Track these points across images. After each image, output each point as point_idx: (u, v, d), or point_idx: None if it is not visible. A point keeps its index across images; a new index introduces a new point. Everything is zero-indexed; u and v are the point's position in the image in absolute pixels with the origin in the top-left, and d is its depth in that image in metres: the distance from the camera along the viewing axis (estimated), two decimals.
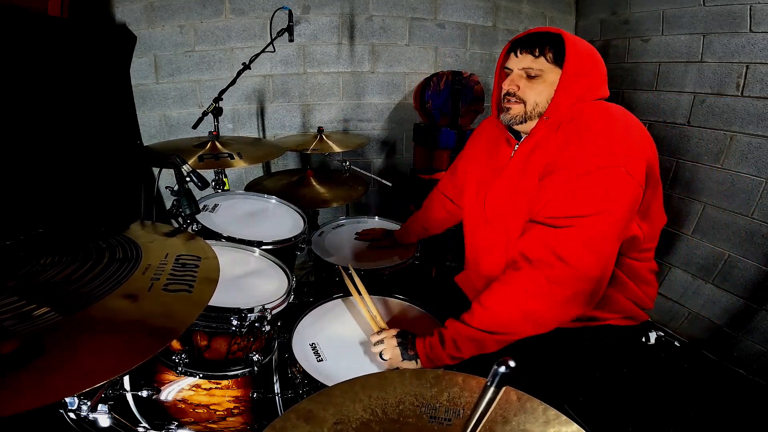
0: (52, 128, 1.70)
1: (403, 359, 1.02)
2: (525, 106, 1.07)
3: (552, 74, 1.04)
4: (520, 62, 1.06)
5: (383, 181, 2.09)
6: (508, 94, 1.09)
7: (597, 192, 0.92)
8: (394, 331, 1.06)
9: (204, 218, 1.52)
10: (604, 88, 1.08)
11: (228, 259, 1.33)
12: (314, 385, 0.97)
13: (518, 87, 1.07)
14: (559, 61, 1.03)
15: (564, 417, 0.58)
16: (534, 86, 1.06)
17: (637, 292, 1.12)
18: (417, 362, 1.02)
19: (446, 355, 1.00)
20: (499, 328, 0.97)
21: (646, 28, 2.38)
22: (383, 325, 1.14)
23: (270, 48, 1.94)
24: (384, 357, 1.03)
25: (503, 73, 1.13)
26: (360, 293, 1.21)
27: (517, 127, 1.12)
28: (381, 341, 1.05)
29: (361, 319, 1.21)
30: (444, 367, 1.03)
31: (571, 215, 0.92)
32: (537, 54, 1.03)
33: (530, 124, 1.10)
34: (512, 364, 0.43)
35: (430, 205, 1.60)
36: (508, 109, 1.10)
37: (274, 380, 1.27)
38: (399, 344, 1.03)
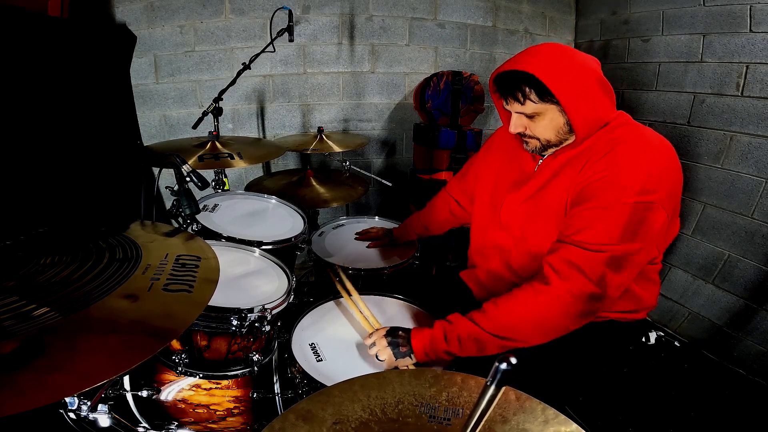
0: (52, 128, 1.70)
1: (397, 358, 1.01)
2: (539, 140, 1.08)
3: (548, 111, 1.02)
4: (512, 108, 1.06)
5: (383, 181, 2.10)
6: (518, 134, 1.10)
7: (631, 224, 0.94)
8: (383, 331, 1.05)
9: (204, 218, 1.52)
10: (606, 85, 1.04)
11: (228, 259, 1.33)
12: (314, 385, 0.97)
13: (524, 127, 1.07)
14: (544, 95, 0.99)
15: (563, 416, 0.58)
16: (537, 124, 1.05)
17: (642, 293, 1.13)
18: (411, 357, 1.02)
19: (444, 351, 1.00)
20: (507, 332, 0.98)
21: (646, 28, 2.38)
22: (377, 324, 1.14)
23: (270, 48, 1.95)
24: (380, 358, 1.03)
25: (504, 110, 1.13)
26: (350, 295, 1.21)
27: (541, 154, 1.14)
28: (374, 343, 1.04)
29: (362, 318, 1.21)
30: (441, 365, 1.03)
31: (604, 243, 0.94)
32: (522, 100, 1.02)
33: (553, 149, 1.11)
34: (514, 360, 0.43)
35: (435, 204, 1.61)
36: (526, 142, 1.11)
37: (274, 380, 1.27)
38: (390, 344, 1.02)
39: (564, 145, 1.09)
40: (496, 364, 0.44)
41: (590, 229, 0.96)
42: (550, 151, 1.12)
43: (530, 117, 1.05)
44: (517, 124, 1.08)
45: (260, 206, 1.74)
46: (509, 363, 0.43)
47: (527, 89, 1.00)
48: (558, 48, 1.01)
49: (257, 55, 1.92)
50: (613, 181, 0.96)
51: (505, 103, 1.07)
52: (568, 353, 1.13)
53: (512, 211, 1.18)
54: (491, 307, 1.00)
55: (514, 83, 1.01)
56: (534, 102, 1.01)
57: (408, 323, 1.21)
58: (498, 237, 1.22)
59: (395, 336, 1.03)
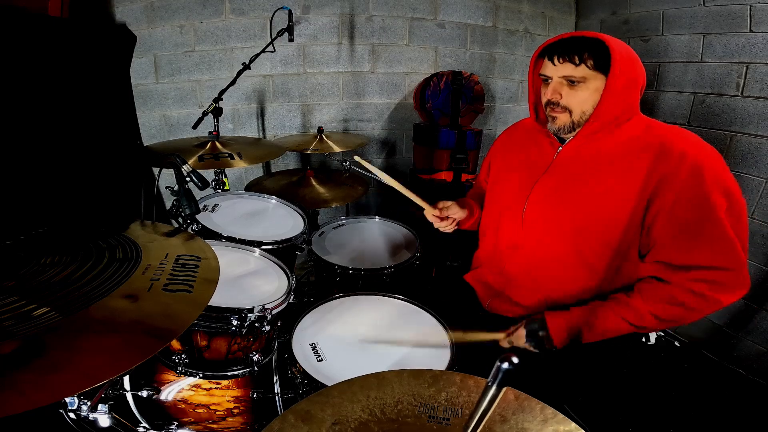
0: (52, 128, 1.70)
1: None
2: (571, 114, 1.06)
3: (595, 81, 1.01)
4: (559, 70, 1.03)
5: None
6: (551, 103, 1.07)
7: (744, 233, 1.08)
8: (522, 333, 1.12)
9: (204, 218, 1.52)
10: (644, 79, 1.06)
11: (228, 259, 1.33)
12: (314, 385, 0.98)
13: (561, 95, 1.05)
14: (600, 67, 1.00)
15: (561, 415, 0.58)
16: (577, 93, 1.03)
17: None
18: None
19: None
20: (645, 324, 1.08)
21: (646, 28, 2.37)
22: (424, 204, 1.30)
23: (270, 48, 1.94)
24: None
25: (538, 79, 1.12)
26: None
27: (564, 135, 1.11)
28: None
29: (362, 318, 1.21)
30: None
31: (735, 259, 1.08)
32: (577, 62, 1.00)
33: (574, 133, 1.10)
34: (516, 360, 0.43)
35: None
36: (554, 118, 1.08)
37: (274, 380, 1.27)
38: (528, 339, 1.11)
39: (579, 130, 1.07)
40: (498, 363, 0.43)
41: (721, 244, 1.06)
42: (570, 136, 1.10)
43: (574, 83, 1.02)
44: (555, 89, 1.05)
45: (260, 206, 1.74)
46: (511, 362, 0.43)
47: (587, 54, 1.00)
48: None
49: (257, 55, 1.92)
50: (713, 197, 0.99)
51: (552, 63, 1.03)
52: (567, 353, 1.13)
53: (537, 208, 1.15)
54: (640, 304, 1.05)
55: (575, 46, 1.01)
56: (588, 68, 1.00)
57: (409, 323, 1.21)
58: (516, 237, 1.20)
59: (535, 338, 1.10)
